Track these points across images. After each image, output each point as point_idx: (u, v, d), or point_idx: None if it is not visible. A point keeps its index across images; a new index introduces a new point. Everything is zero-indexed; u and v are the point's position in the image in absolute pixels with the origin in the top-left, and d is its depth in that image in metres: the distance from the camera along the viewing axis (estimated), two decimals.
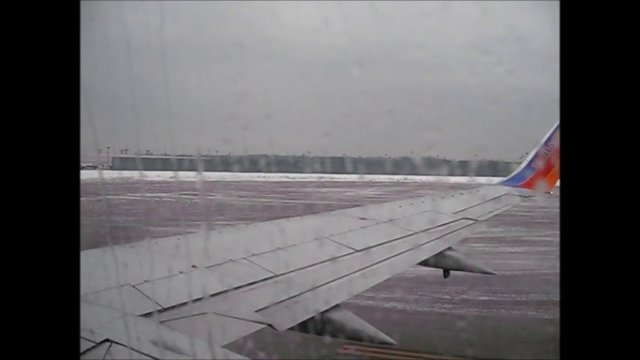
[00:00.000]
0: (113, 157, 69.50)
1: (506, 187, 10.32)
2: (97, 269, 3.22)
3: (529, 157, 10.69)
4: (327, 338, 3.88)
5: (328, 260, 4.64)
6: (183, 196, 39.91)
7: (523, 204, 10.06)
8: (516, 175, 10.69)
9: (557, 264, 2.06)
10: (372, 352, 8.81)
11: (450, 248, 6.28)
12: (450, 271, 6.37)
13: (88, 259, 3.37)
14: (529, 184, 10.28)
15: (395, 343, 4.15)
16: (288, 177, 64.12)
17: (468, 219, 7.54)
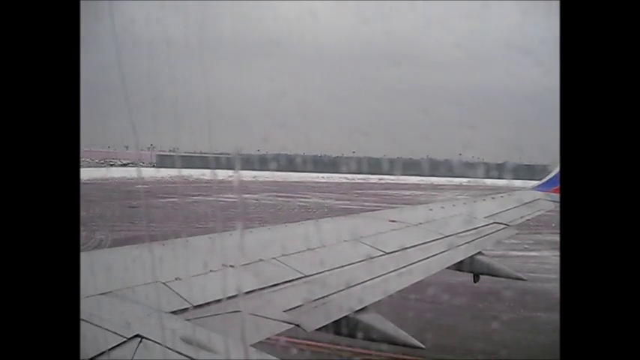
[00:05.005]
0: (157, 155, 70.66)
1: (539, 192, 10.06)
2: (130, 266, 3.34)
3: None
4: (354, 340, 3.91)
5: (357, 262, 4.64)
6: (278, 199, 38.01)
7: (557, 209, 9.78)
8: (550, 179, 10.38)
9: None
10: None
11: (480, 252, 6.16)
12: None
13: (117, 256, 3.46)
14: None
15: (424, 347, 4.12)
16: (346, 178, 60.14)
17: (500, 223, 7.39)
